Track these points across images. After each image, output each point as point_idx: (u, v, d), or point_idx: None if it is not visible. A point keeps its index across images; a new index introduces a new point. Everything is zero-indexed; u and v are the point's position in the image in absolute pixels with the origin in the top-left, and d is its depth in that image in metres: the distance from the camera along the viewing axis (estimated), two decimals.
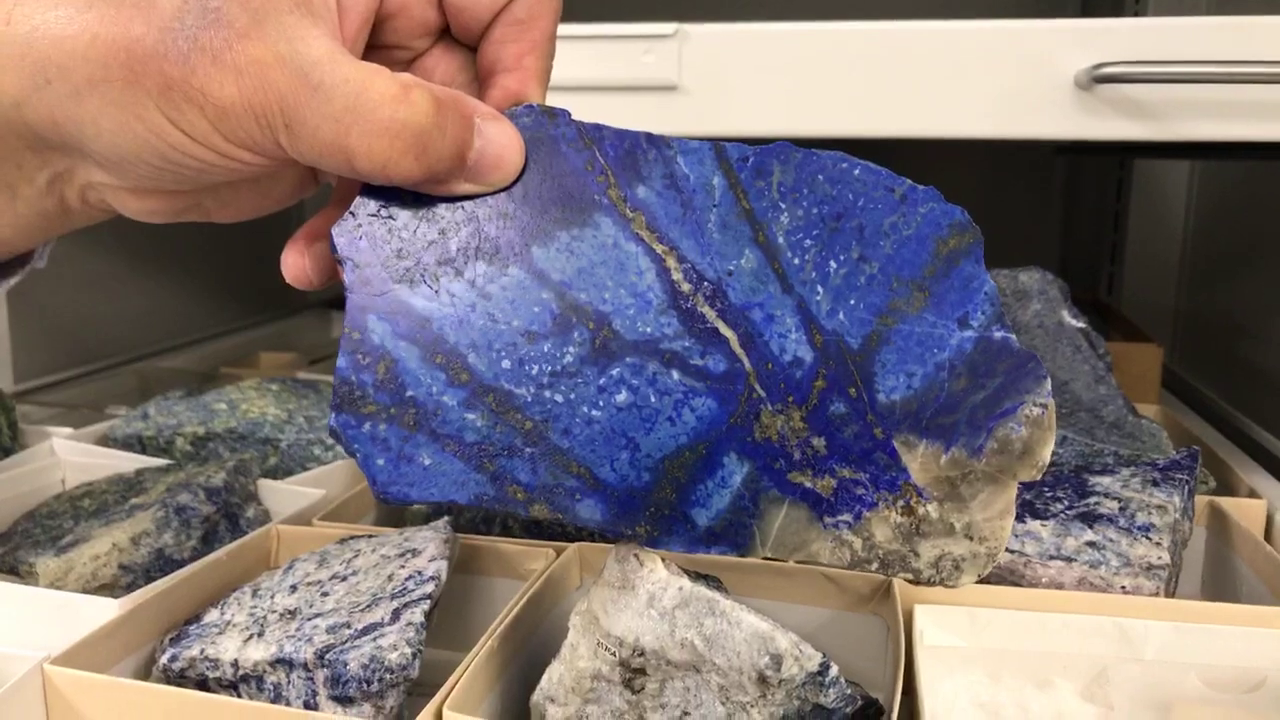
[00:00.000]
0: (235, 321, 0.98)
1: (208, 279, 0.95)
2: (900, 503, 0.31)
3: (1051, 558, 0.42)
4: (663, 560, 0.31)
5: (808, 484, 0.31)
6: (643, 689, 0.31)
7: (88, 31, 0.27)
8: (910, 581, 0.31)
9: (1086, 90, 0.47)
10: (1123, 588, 0.41)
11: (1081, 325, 0.52)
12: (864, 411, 0.31)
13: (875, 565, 0.31)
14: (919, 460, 0.31)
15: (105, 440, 0.56)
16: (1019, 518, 0.44)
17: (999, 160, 1.23)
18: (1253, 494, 0.52)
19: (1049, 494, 0.46)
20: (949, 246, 0.31)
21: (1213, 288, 0.94)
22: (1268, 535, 0.50)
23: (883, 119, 0.51)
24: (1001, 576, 0.42)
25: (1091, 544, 0.43)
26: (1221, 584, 0.48)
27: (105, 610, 0.37)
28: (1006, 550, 0.42)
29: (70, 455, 0.54)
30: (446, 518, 0.42)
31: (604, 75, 0.50)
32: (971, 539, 0.31)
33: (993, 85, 0.49)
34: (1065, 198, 1.24)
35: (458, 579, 0.42)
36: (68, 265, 0.76)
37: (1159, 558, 0.42)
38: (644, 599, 0.30)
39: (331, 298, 1.12)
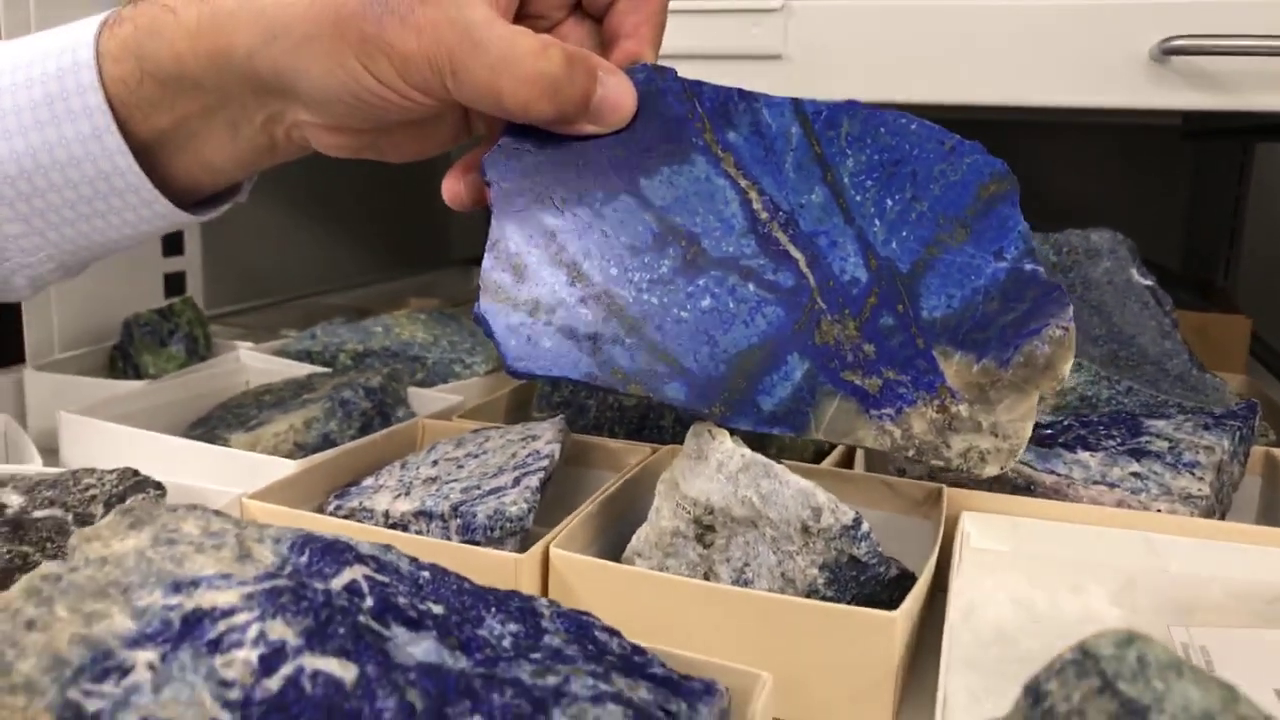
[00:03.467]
0: (388, 271, 1.08)
1: (366, 233, 1.06)
2: (936, 402, 0.37)
3: (1095, 483, 0.47)
4: (730, 434, 0.37)
5: (858, 382, 0.37)
6: (712, 544, 0.38)
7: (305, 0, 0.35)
8: (941, 469, 0.37)
9: (1159, 63, 0.51)
10: (1158, 510, 0.46)
11: (1149, 283, 0.56)
12: (909, 325, 0.37)
13: (912, 452, 0.37)
14: (954, 368, 0.37)
15: (280, 354, 0.66)
16: (1071, 449, 0.49)
17: (1129, 147, 1.24)
18: None
19: (1104, 431, 0.51)
20: (989, 191, 0.37)
21: None
22: None
23: (972, 88, 0.56)
24: (1046, 495, 0.47)
25: (1136, 474, 0.47)
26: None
27: (286, 467, 0.46)
28: (1053, 473, 0.47)
29: (253, 362, 0.63)
30: (561, 415, 0.49)
31: (717, 45, 0.57)
32: (996, 436, 0.37)
33: (1074, 58, 0.53)
34: (1194, 184, 1.24)
35: (569, 471, 0.50)
36: (249, 216, 0.87)
37: (1198, 489, 0.46)
38: (714, 465, 0.37)
39: (472, 257, 1.21)
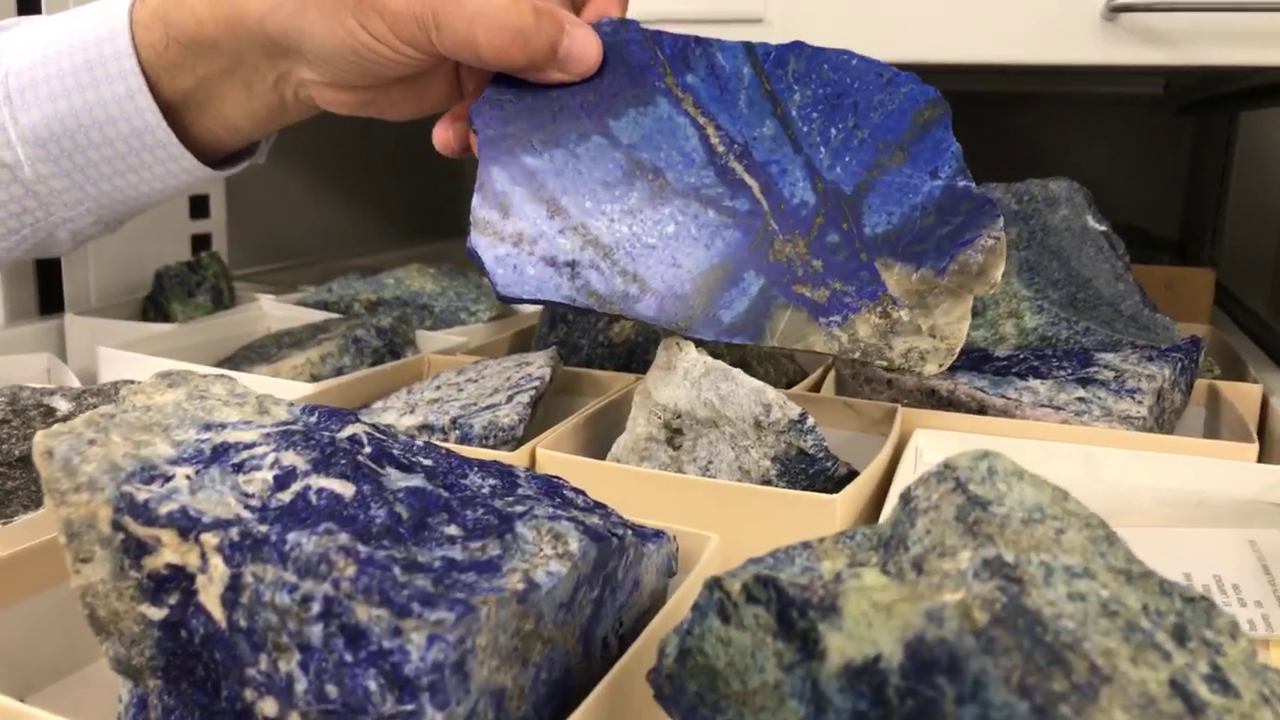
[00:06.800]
0: (400, 239, 1.13)
1: (381, 203, 1.11)
2: (879, 309, 0.41)
3: (1042, 406, 0.51)
4: (695, 346, 0.41)
5: (808, 293, 0.41)
6: (680, 446, 0.42)
7: None
8: (885, 369, 0.41)
9: (1109, 21, 0.55)
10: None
11: (1103, 229, 0.60)
12: (853, 241, 0.41)
13: (858, 353, 0.41)
14: (895, 277, 0.41)
15: (299, 304, 0.71)
16: (1023, 377, 0.53)
17: (1134, 123, 1.28)
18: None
19: (1056, 363, 0.55)
20: (924, 117, 0.41)
21: None
22: (1262, 416, 0.56)
23: (940, 47, 0.60)
24: (996, 417, 0.51)
25: (1081, 399, 0.51)
26: None
27: (303, 389, 0.50)
28: (1004, 397, 0.51)
29: (274, 310, 0.68)
30: (554, 347, 0.54)
31: (700, 9, 0.61)
32: (935, 337, 0.41)
33: (1032, 18, 0.57)
34: (1190, 157, 1.28)
35: (560, 399, 0.54)
36: (270, 182, 0.93)
37: (1137, 412, 0.50)
38: (680, 373, 0.41)
39: None
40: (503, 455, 0.42)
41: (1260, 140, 1.04)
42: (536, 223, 0.42)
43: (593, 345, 0.59)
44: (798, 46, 0.42)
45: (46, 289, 0.69)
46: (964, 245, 0.40)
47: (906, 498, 0.24)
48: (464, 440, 0.46)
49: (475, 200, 0.42)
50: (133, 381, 0.45)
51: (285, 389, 0.51)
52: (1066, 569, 0.21)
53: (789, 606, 0.21)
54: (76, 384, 0.53)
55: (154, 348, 0.59)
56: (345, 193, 1.06)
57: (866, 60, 0.41)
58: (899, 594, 0.20)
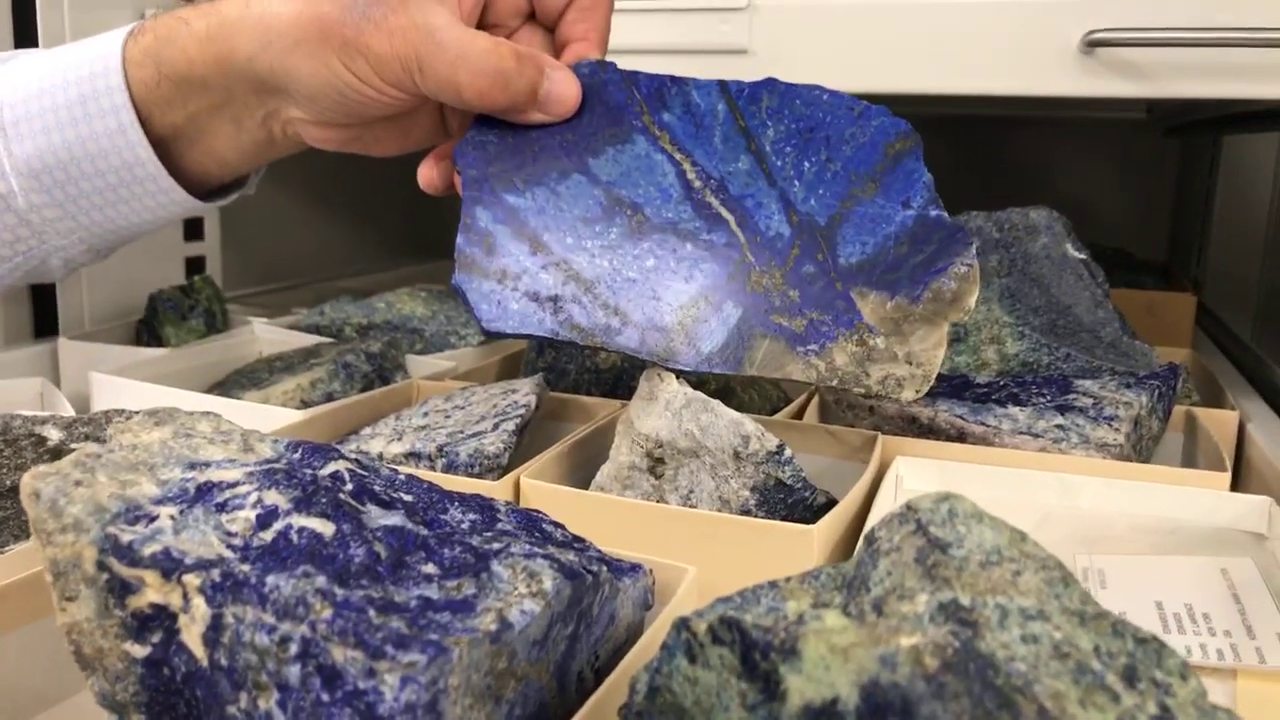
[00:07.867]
0: (395, 259, 1.14)
1: (374, 224, 1.12)
2: (855, 337, 0.42)
3: (1021, 433, 0.52)
4: (676, 377, 0.42)
5: (785, 323, 0.42)
6: (662, 475, 0.43)
7: (295, 10, 0.41)
8: (863, 396, 0.42)
9: (1086, 54, 0.56)
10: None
11: (1083, 257, 0.61)
12: (828, 271, 0.42)
13: (836, 381, 0.42)
14: (870, 306, 0.42)
15: (292, 328, 0.72)
16: (1003, 404, 0.54)
17: (1123, 145, 1.29)
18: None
19: (1036, 390, 0.55)
20: (895, 149, 0.42)
21: None
22: (1239, 442, 0.57)
23: (921, 78, 0.61)
24: (975, 444, 0.52)
25: (1060, 426, 0.52)
26: None
27: (292, 416, 0.51)
28: (983, 424, 0.52)
29: (266, 334, 0.69)
30: (541, 374, 0.55)
31: (686, 40, 0.62)
32: (911, 364, 0.42)
33: (1010, 51, 0.58)
34: (1177, 179, 1.29)
35: (547, 425, 0.55)
36: (264, 205, 0.94)
37: (1114, 439, 0.51)
38: (662, 404, 0.42)
39: None
40: (488, 484, 0.43)
41: (1243, 164, 1.05)
42: (519, 259, 0.43)
43: (580, 370, 0.60)
44: (770, 83, 0.43)
45: (41, 312, 0.69)
46: (938, 273, 0.41)
47: (870, 539, 0.25)
48: (450, 468, 0.46)
49: (460, 239, 0.43)
50: (123, 410, 0.46)
51: (275, 415, 0.51)
52: (1021, 611, 0.22)
53: (752, 648, 0.22)
54: (69, 409, 0.54)
55: (146, 373, 0.59)
56: (338, 214, 1.07)
57: (837, 95, 0.42)
58: (856, 637, 0.21)
